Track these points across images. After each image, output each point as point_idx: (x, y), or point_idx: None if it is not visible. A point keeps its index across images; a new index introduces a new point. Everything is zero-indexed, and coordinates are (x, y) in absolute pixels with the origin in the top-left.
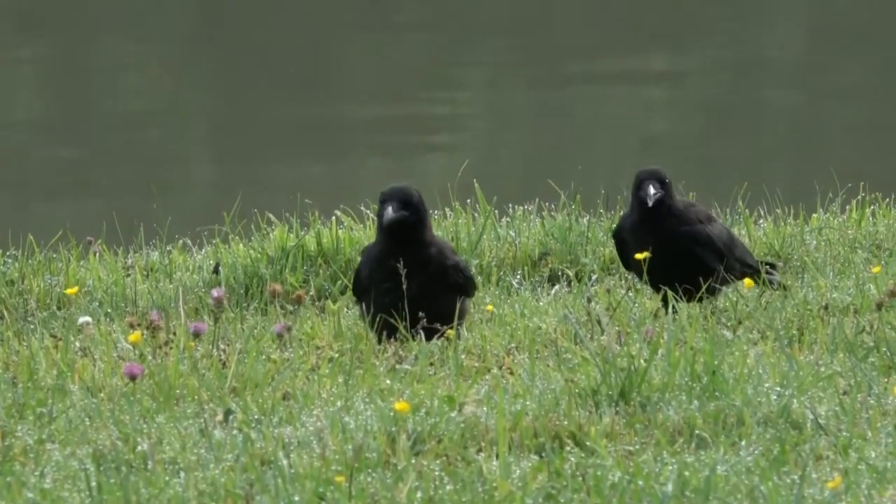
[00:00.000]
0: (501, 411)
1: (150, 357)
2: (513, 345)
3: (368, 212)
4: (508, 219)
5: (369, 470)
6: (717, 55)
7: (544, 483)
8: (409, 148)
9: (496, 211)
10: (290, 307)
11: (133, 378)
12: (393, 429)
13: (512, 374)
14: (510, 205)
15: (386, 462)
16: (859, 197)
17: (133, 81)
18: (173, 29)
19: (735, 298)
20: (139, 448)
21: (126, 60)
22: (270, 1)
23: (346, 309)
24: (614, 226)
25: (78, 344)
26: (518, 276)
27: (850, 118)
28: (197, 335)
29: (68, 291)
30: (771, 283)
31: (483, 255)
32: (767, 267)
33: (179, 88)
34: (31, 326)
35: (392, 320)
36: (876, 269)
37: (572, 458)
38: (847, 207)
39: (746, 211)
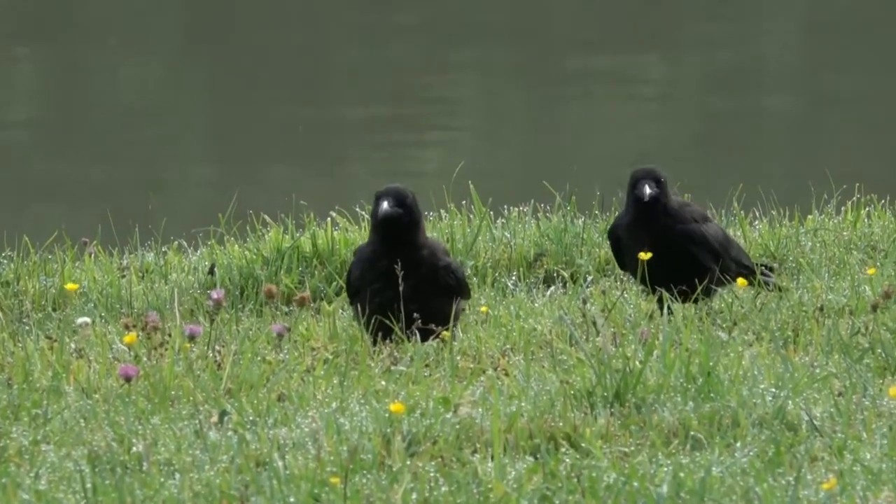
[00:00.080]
0: (496, 413)
1: (145, 358)
2: (508, 346)
3: (364, 213)
4: (504, 220)
5: (364, 471)
6: (713, 57)
7: (539, 484)
8: (404, 149)
9: (491, 212)
10: (285, 308)
11: (128, 379)
12: (388, 430)
13: (507, 375)
14: (505, 206)
15: (381, 463)
16: (855, 198)
17: (129, 82)
18: (170, 30)
19: (730, 300)
20: (134, 449)
21: (123, 61)
22: (268, 2)
23: (341, 310)
24: (609, 226)
25: (73, 345)
26: (513, 278)
27: (846, 120)
28: (192, 338)
29: (68, 287)
30: (766, 284)
31: (478, 257)
32: (764, 269)
33: (176, 89)
34: (27, 328)
35: (385, 321)
36: (871, 271)
37: (567, 460)
38: (842, 209)
39: (742, 212)
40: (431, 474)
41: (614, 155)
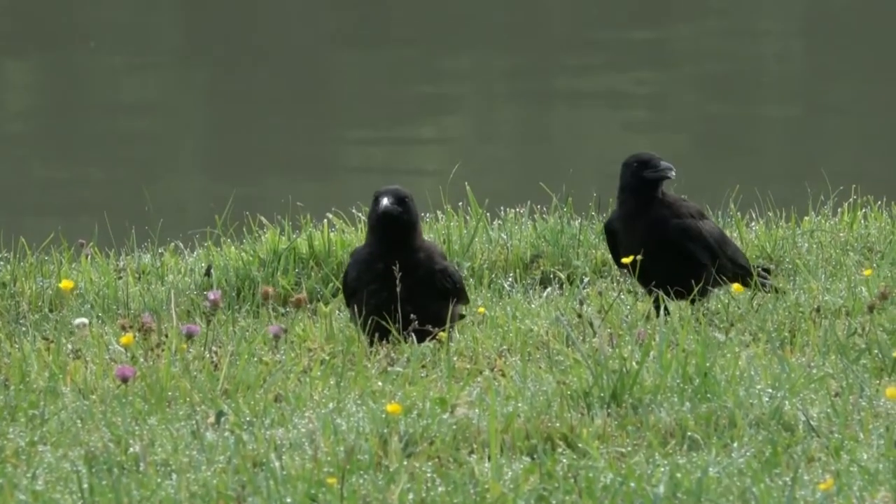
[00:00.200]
0: (493, 413)
1: (141, 359)
2: (505, 347)
3: (360, 214)
4: (500, 221)
5: (361, 472)
6: (710, 57)
7: (536, 485)
8: (400, 150)
9: (488, 213)
10: (282, 309)
11: (125, 380)
12: (385, 430)
13: (504, 376)
14: (502, 207)
15: (378, 464)
16: (851, 199)
17: (127, 85)
18: (169, 32)
19: (727, 300)
20: (131, 450)
21: (121, 64)
22: (263, 14)
23: (337, 311)
24: (606, 216)
25: (70, 346)
26: (510, 279)
27: (843, 121)
28: (189, 337)
29: (63, 285)
30: (763, 286)
31: (475, 258)
32: (761, 271)
33: (173, 92)
34: (23, 329)
35: (381, 322)
36: (867, 272)
37: (564, 460)
38: (839, 210)
39: (738, 213)
40: (428, 475)
41: (610, 157)
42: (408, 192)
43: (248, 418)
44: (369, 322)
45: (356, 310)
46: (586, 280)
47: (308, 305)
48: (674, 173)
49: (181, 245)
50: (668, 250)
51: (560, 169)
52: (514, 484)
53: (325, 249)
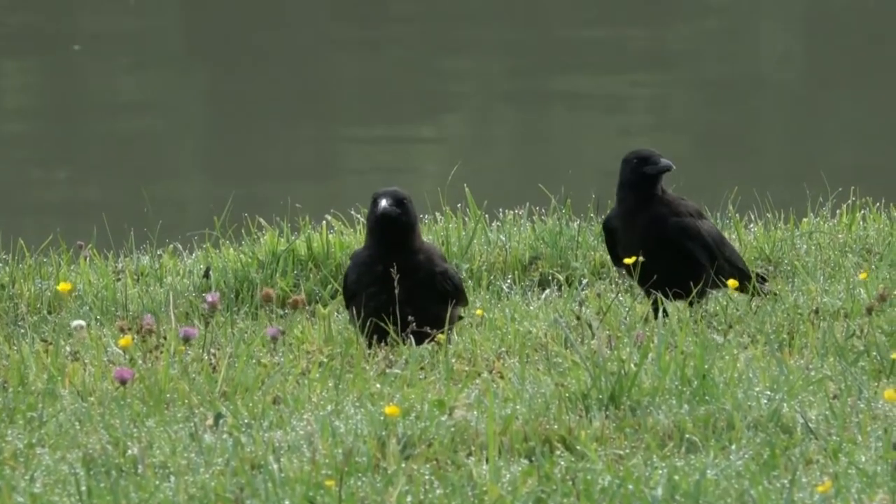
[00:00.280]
0: (491, 415)
1: (140, 361)
2: (503, 349)
3: (359, 216)
4: (499, 223)
5: (359, 474)
6: (708, 59)
7: (534, 487)
8: (399, 152)
9: (486, 215)
10: (280, 311)
11: (123, 382)
12: (383, 433)
13: (502, 378)
14: (500, 209)
15: (376, 466)
16: (850, 201)
17: (125, 86)
18: (167, 37)
19: (725, 302)
20: (129, 452)
21: (119, 66)
22: (262, 16)
23: (336, 313)
24: (603, 220)
25: (68, 348)
26: (508, 281)
27: (841, 122)
28: (187, 340)
29: (61, 287)
30: (760, 293)
31: (473, 260)
32: (757, 276)
33: (172, 93)
34: (22, 331)
35: (380, 324)
36: (865, 274)
37: (562, 463)
38: (837, 212)
39: (737, 215)
40: (426, 477)
41: (609, 158)
42: (406, 194)
43: (246, 420)
44: (368, 324)
45: (355, 312)
46: (585, 282)
47: (307, 307)
48: (674, 168)
49: (180, 247)
50: (667, 248)
51: (559, 170)
52: (513, 486)
53: (324, 251)
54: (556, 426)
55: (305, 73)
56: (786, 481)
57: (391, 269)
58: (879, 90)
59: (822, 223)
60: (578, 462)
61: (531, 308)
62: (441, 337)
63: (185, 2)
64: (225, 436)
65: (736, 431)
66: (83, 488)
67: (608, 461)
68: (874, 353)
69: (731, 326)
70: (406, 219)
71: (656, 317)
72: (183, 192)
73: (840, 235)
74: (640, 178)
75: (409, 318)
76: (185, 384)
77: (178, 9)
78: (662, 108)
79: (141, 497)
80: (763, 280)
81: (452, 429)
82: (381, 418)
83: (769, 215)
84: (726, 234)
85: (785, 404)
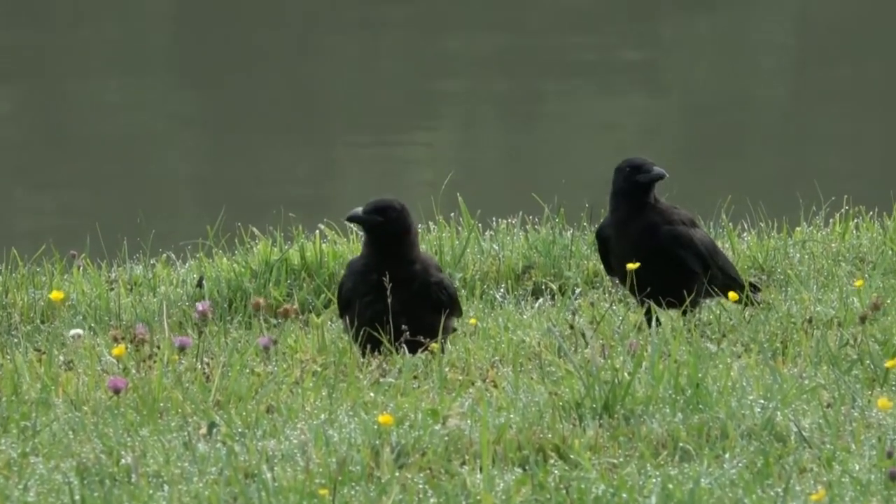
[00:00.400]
0: (485, 424)
1: (134, 370)
2: (497, 358)
3: (352, 226)
4: (492, 232)
5: (353, 483)
6: (701, 67)
7: (528, 496)
8: (392, 161)
9: (480, 224)
10: (273, 321)
11: (117, 391)
12: (377, 442)
13: (496, 387)
14: (494, 218)
15: (370, 475)
16: (843, 210)
17: (119, 94)
18: (158, 48)
19: (718, 311)
20: (123, 461)
21: (111, 76)
22: (255, 22)
23: (329, 322)
24: (596, 229)
25: (62, 358)
26: (502, 290)
27: (835, 132)
28: (181, 349)
29: (53, 296)
30: (754, 301)
31: (467, 269)
32: (749, 284)
33: (165, 102)
34: (15, 340)
35: (375, 333)
36: (859, 283)
37: (556, 471)
38: (831, 221)
39: (730, 224)
40: (420, 486)
41: (602, 167)
42: (398, 205)
43: (240, 429)
44: (362, 333)
45: (349, 320)
46: (578, 291)
47: (300, 316)
48: (667, 176)
49: (173, 256)
50: (660, 257)
51: (552, 180)
52: (506, 495)
53: (317, 260)
54: (549, 435)
55: (299, 83)
56: (780, 490)
57: (384, 278)
58: (874, 100)
59: (815, 232)
60: (572, 471)
61: (525, 317)
62: (434, 346)
63: (178, 14)
64: (219, 445)
65: (730, 440)
66: (77, 497)
67: (602, 470)
68: (868, 362)
69: (724, 335)
70: (390, 227)
71: (650, 325)
72: (176, 201)
73: (833, 244)
74: (632, 186)
75: (403, 327)
76: (179, 393)
77: (170, 21)
78: (655, 116)
79: None
80: (756, 289)
81: (446, 437)
82: (375, 427)
83: (762, 224)
84: (719, 243)
85: (778, 413)
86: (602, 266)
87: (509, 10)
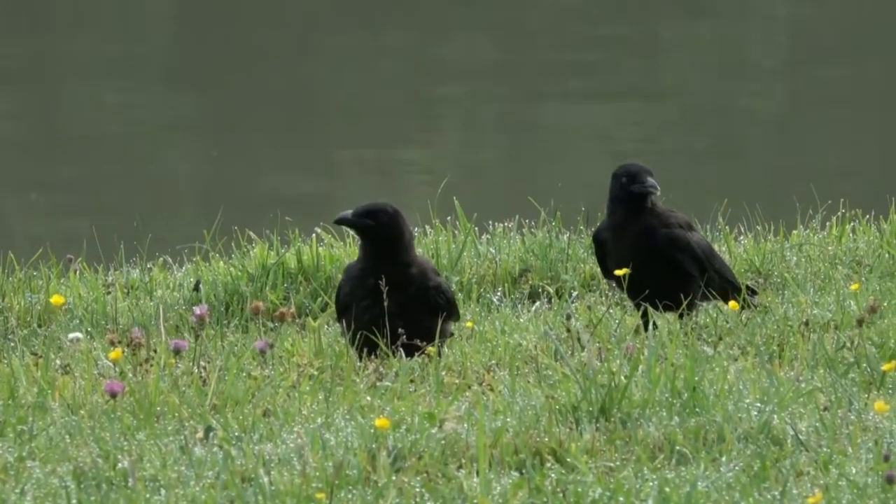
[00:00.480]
0: (482, 428)
1: (130, 374)
2: (493, 361)
3: (348, 229)
4: (489, 236)
5: (350, 487)
6: (695, 70)
7: (525, 499)
8: (389, 164)
9: (476, 228)
10: (270, 324)
11: (114, 395)
12: (373, 445)
13: (492, 390)
14: (490, 222)
15: (366, 479)
16: (839, 213)
17: (117, 97)
18: (155, 44)
19: (715, 315)
20: (120, 465)
21: (108, 76)
22: (254, 24)
23: (326, 326)
24: (593, 232)
25: (58, 361)
26: (498, 293)
27: (831, 135)
28: (177, 352)
29: (54, 300)
30: (749, 305)
31: (463, 272)
32: (746, 287)
33: (162, 103)
34: (12, 344)
35: (372, 337)
36: (855, 286)
37: (553, 475)
38: (827, 224)
39: (727, 227)
40: (417, 489)
41: (599, 171)
42: (388, 208)
43: (236, 433)
44: (359, 336)
45: (346, 324)
46: (575, 294)
47: (297, 320)
48: (658, 192)
49: (170, 260)
50: (657, 260)
51: (548, 183)
52: (503, 499)
53: (314, 264)
54: (546, 438)
55: (297, 85)
56: (776, 493)
57: (380, 282)
58: (871, 103)
59: (811, 235)
60: (569, 474)
61: (521, 320)
62: (431, 350)
63: (178, 13)
64: (215, 449)
65: (726, 443)
66: (73, 501)
67: (599, 473)
68: (864, 365)
69: (721, 338)
70: (382, 231)
71: (646, 329)
72: (172, 205)
73: (830, 247)
74: (628, 194)
75: (400, 331)
76: (176, 397)
77: (170, 20)
78: (652, 119)
79: None
80: (753, 292)
81: (443, 441)
82: (372, 431)
83: (759, 227)
84: (716, 247)
85: (775, 416)
86: (599, 269)
87: (509, 11)
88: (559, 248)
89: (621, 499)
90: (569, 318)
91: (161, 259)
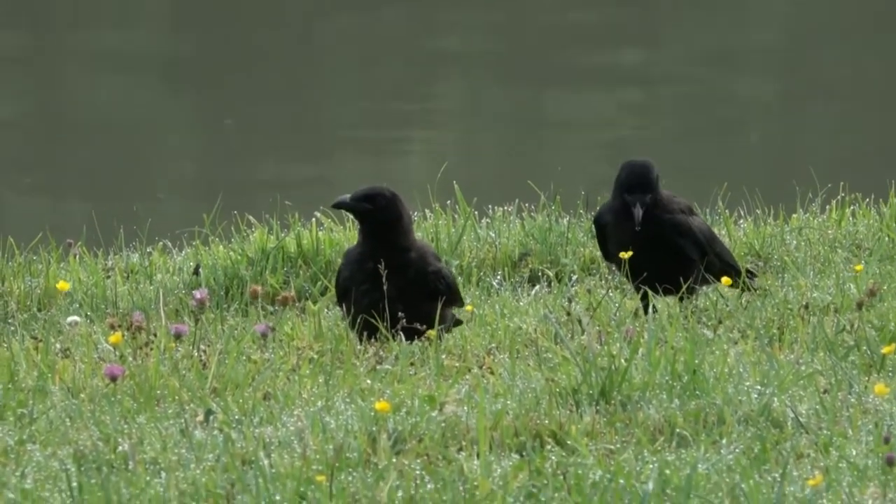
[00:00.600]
0: (482, 411)
1: (130, 358)
2: (493, 345)
3: (348, 214)
4: (488, 219)
5: (350, 469)
6: (694, 54)
7: (525, 482)
8: (389, 149)
9: (476, 212)
10: (270, 308)
11: (114, 379)
12: (374, 428)
13: (492, 373)
14: (490, 205)
15: (367, 461)
16: (839, 197)
17: (113, 80)
18: (152, 27)
19: (715, 298)
20: (120, 448)
21: (106, 59)
22: (254, 7)
23: (326, 310)
24: (595, 214)
25: (59, 345)
26: (498, 277)
27: (830, 118)
28: (178, 336)
29: (60, 286)
30: (749, 288)
31: (463, 256)
32: (746, 271)
33: (161, 88)
34: (12, 328)
35: (372, 321)
36: (859, 267)
37: (553, 457)
38: (827, 207)
39: (727, 211)
40: (417, 472)
41: (598, 154)
42: (386, 192)
43: (236, 417)
44: (359, 321)
45: (346, 308)
46: (575, 278)
47: (297, 304)
48: (637, 228)
49: (169, 244)
50: (658, 244)
51: (548, 167)
52: (503, 481)
53: (314, 248)
54: (546, 421)
55: (296, 72)
56: (777, 475)
57: (379, 265)
58: (870, 86)
59: (811, 219)
60: (569, 457)
61: (521, 304)
62: (431, 333)
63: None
64: (215, 432)
65: (726, 426)
66: (74, 485)
67: (599, 456)
68: (864, 348)
69: (720, 322)
70: (380, 215)
71: (646, 312)
72: (173, 189)
73: (830, 231)
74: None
75: (400, 314)
76: (176, 381)
77: (169, 5)
78: (652, 105)
79: (132, 493)
80: (752, 275)
81: (443, 424)
82: (372, 414)
83: (759, 211)
84: (716, 230)
85: (775, 399)
86: (599, 253)
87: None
88: (559, 232)
89: (622, 481)
90: (569, 301)
91: (161, 243)
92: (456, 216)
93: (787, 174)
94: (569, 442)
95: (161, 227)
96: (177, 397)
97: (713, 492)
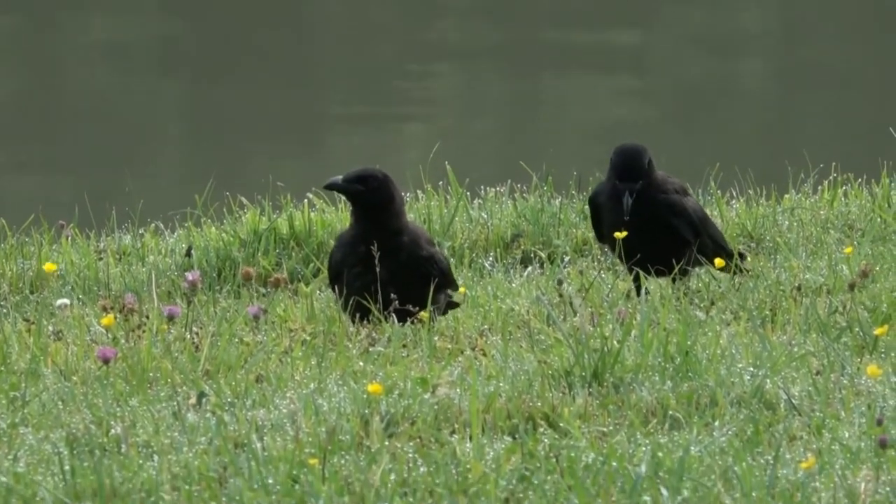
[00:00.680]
0: (475, 393)
1: (123, 340)
2: (486, 326)
3: (340, 195)
4: (480, 201)
5: (343, 452)
6: (688, 35)
7: (518, 464)
8: (381, 130)
9: (468, 193)
10: (262, 290)
11: (106, 361)
12: (366, 411)
13: (485, 355)
14: (482, 187)
15: (359, 444)
16: (831, 177)
17: (106, 62)
18: (145, 9)
19: (707, 279)
20: (112, 431)
21: (99, 40)
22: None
23: (318, 292)
24: (590, 194)
25: (51, 328)
26: (490, 258)
27: (823, 99)
28: (170, 318)
29: (46, 267)
30: (740, 270)
31: (455, 238)
32: (737, 255)
33: (153, 70)
34: (4, 310)
35: (364, 303)
36: (848, 250)
37: (546, 440)
38: (819, 188)
39: (719, 192)
40: (410, 455)
41: (591, 135)
42: (378, 174)
43: (229, 399)
44: (351, 303)
45: (339, 291)
46: (567, 259)
47: (289, 286)
48: (626, 217)
49: (161, 226)
50: (653, 225)
51: (540, 148)
52: (496, 464)
53: (306, 230)
54: (539, 403)
55: (288, 52)
56: (769, 458)
57: (371, 248)
58: (862, 67)
59: (803, 200)
60: (562, 439)
61: (513, 285)
62: (424, 314)
63: None
64: (208, 415)
65: (719, 408)
66: (66, 467)
67: (592, 438)
68: (857, 329)
69: (713, 303)
70: (372, 197)
71: (639, 294)
72: (164, 171)
73: (822, 212)
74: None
75: (392, 296)
76: (168, 363)
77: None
78: (645, 87)
79: (124, 476)
80: (742, 257)
81: (436, 406)
82: (364, 396)
83: (751, 192)
84: (708, 211)
85: (768, 381)
86: (592, 234)
87: None
88: (551, 213)
89: (614, 463)
90: (561, 282)
91: (153, 225)
92: (448, 197)
93: (779, 154)
94: (561, 424)
95: (153, 209)
96: (169, 380)
97: (706, 474)
